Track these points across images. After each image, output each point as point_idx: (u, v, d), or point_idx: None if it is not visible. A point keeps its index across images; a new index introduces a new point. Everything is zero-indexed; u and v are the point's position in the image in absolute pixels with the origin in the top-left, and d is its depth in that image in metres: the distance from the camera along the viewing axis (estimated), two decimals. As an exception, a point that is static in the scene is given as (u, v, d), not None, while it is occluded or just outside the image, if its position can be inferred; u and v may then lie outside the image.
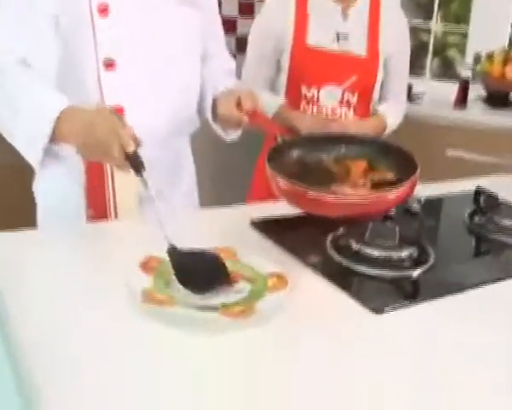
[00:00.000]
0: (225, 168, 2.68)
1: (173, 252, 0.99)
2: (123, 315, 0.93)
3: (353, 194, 1.10)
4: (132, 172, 1.04)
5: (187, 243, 1.01)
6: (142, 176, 1.03)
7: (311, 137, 1.28)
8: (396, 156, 1.20)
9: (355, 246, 1.15)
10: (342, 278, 1.07)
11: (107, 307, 0.95)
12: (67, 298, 0.97)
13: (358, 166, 1.22)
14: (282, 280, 1.00)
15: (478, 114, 2.82)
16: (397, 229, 1.17)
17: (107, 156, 1.05)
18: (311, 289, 1.04)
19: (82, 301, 0.96)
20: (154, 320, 0.89)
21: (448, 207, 1.49)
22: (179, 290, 0.97)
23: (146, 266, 1.01)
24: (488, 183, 1.44)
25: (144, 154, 1.05)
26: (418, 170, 1.13)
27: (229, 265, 1.02)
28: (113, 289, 0.98)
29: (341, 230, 1.19)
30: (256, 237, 1.22)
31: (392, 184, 1.16)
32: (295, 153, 1.25)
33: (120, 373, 0.81)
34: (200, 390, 0.79)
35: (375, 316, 0.97)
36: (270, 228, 1.23)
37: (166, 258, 1.01)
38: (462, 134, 2.69)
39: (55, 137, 1.13)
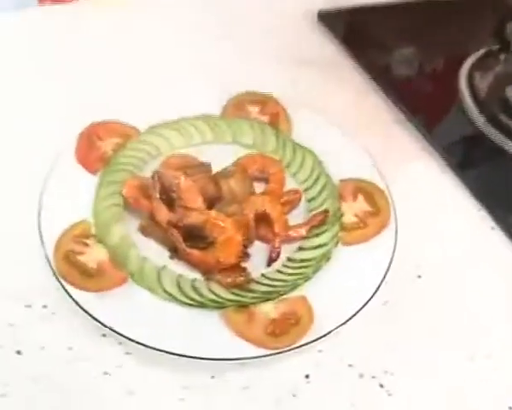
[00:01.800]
0: None
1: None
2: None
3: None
4: None
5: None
6: None
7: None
8: None
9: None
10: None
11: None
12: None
13: None
14: (375, 207, 0.46)
15: None
16: None
17: None
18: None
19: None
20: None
21: None
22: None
23: (91, 148, 0.47)
24: None
25: None
26: None
27: (271, 147, 0.49)
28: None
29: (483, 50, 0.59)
30: (326, 46, 0.64)
31: None
32: None
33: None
34: None
35: None
36: (355, 31, 0.65)
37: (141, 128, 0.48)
38: None
39: None
